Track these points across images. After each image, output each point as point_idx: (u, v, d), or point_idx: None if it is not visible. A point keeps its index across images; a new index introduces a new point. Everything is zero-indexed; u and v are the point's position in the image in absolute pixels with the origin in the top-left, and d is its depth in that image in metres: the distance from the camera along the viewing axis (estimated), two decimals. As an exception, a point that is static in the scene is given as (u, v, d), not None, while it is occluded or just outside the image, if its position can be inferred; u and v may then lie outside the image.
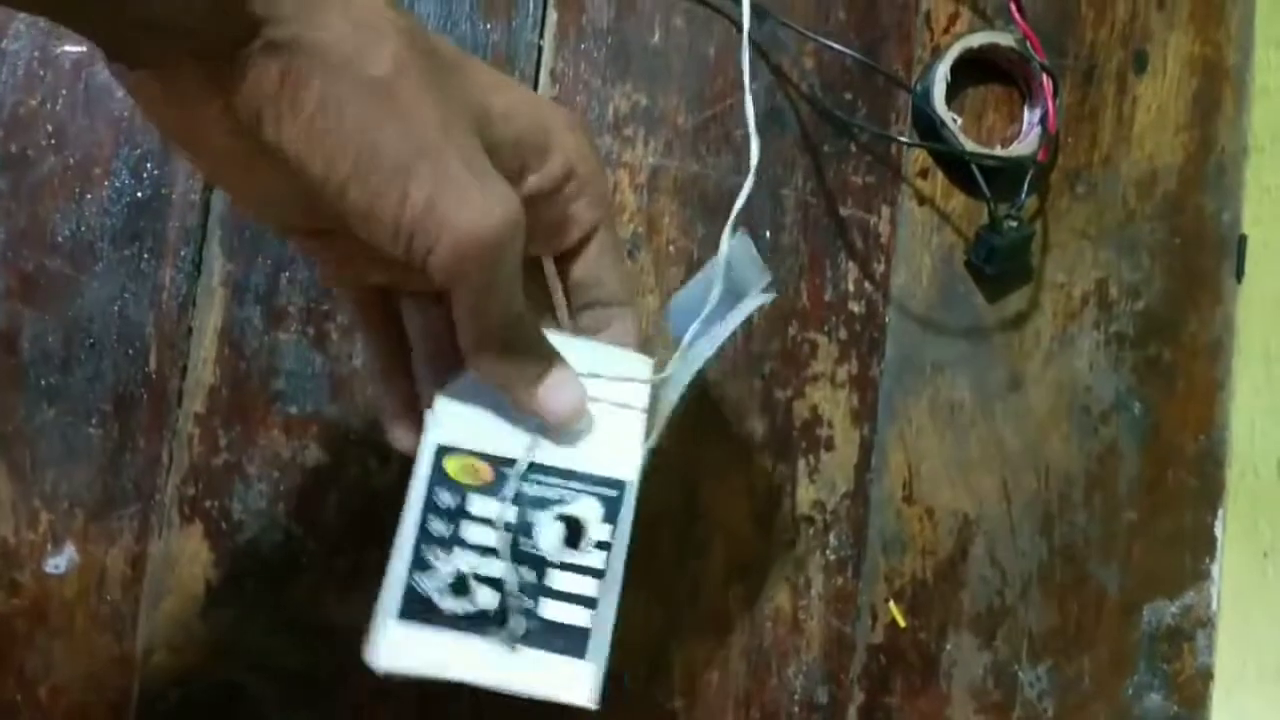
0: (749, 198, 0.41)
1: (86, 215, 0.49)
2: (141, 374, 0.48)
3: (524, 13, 0.52)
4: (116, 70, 0.31)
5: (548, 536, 0.38)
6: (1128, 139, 0.56)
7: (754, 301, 0.40)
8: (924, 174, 0.54)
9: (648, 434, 0.39)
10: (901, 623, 0.52)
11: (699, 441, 0.51)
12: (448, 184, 0.31)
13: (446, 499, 0.38)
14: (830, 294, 0.53)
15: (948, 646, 0.52)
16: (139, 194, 0.49)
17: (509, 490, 0.38)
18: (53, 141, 0.49)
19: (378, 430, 0.49)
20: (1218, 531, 0.54)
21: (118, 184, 0.49)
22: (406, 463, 0.48)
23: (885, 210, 0.53)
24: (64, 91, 0.49)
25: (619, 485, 0.39)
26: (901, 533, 0.52)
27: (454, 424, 0.38)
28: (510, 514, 0.38)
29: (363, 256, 0.36)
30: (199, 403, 0.49)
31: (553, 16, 0.52)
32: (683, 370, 0.40)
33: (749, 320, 0.40)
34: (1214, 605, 0.54)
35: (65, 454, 0.48)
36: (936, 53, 0.54)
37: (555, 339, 0.38)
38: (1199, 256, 0.56)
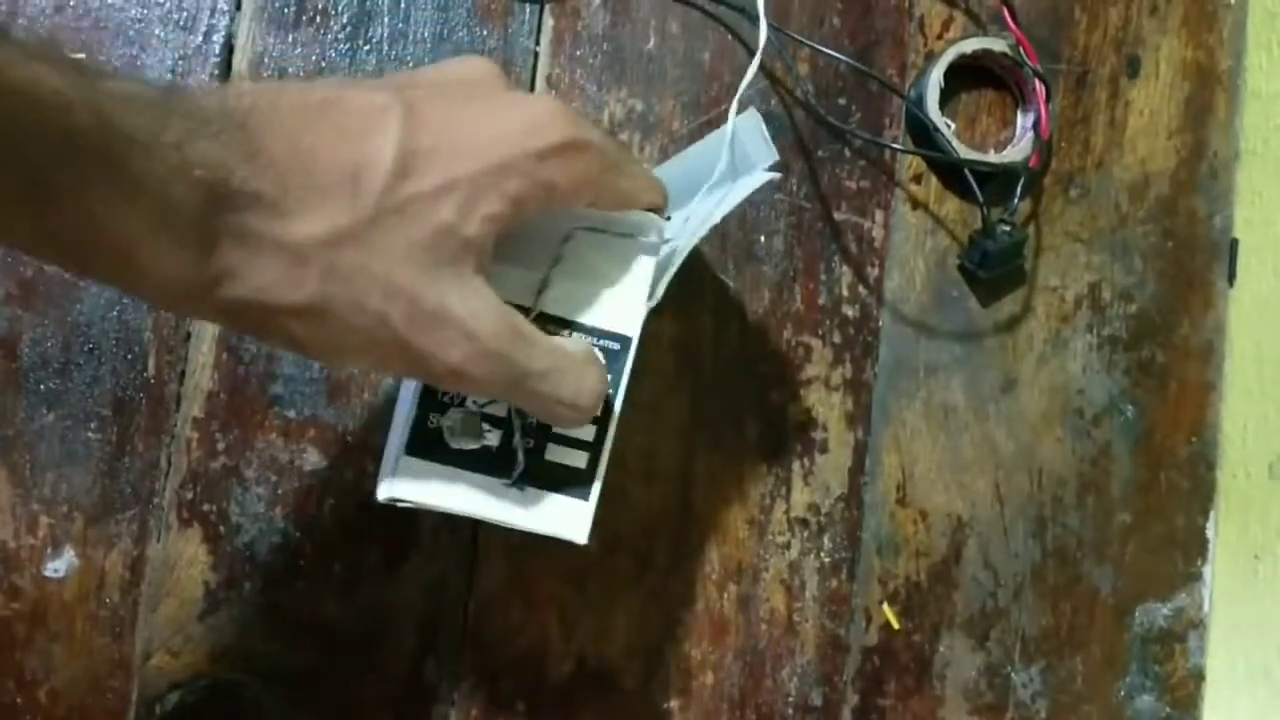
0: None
1: (85, 221, 0.49)
2: (140, 379, 0.49)
3: (520, 19, 0.52)
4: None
5: None
6: (1120, 143, 0.56)
7: (759, 179, 0.41)
8: (918, 179, 0.54)
9: (650, 293, 0.41)
10: (895, 625, 0.52)
11: (693, 445, 0.51)
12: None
13: None
14: (824, 298, 0.53)
15: (941, 648, 0.53)
16: (137, 199, 0.49)
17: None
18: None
19: (374, 433, 0.50)
20: (1209, 533, 0.55)
21: (116, 190, 0.49)
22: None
23: (879, 215, 0.54)
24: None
25: (622, 340, 0.40)
26: (895, 535, 0.53)
27: None
28: None
29: None
30: (197, 407, 0.49)
31: (549, 23, 0.52)
32: (683, 237, 0.41)
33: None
34: (1206, 607, 0.54)
35: (64, 458, 0.48)
36: (930, 58, 0.54)
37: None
38: (1191, 260, 0.56)
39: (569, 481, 0.40)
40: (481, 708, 0.49)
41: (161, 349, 0.49)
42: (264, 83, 0.47)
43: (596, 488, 0.40)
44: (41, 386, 0.48)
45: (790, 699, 0.51)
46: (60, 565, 0.48)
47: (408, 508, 0.40)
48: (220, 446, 0.49)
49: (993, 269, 0.52)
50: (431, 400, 0.40)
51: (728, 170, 0.42)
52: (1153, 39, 0.57)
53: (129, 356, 0.49)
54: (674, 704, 0.51)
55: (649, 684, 0.50)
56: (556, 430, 0.40)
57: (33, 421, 0.48)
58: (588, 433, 0.40)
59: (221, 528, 0.49)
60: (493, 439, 0.40)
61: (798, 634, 0.52)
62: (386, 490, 0.40)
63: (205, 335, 0.49)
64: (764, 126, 0.43)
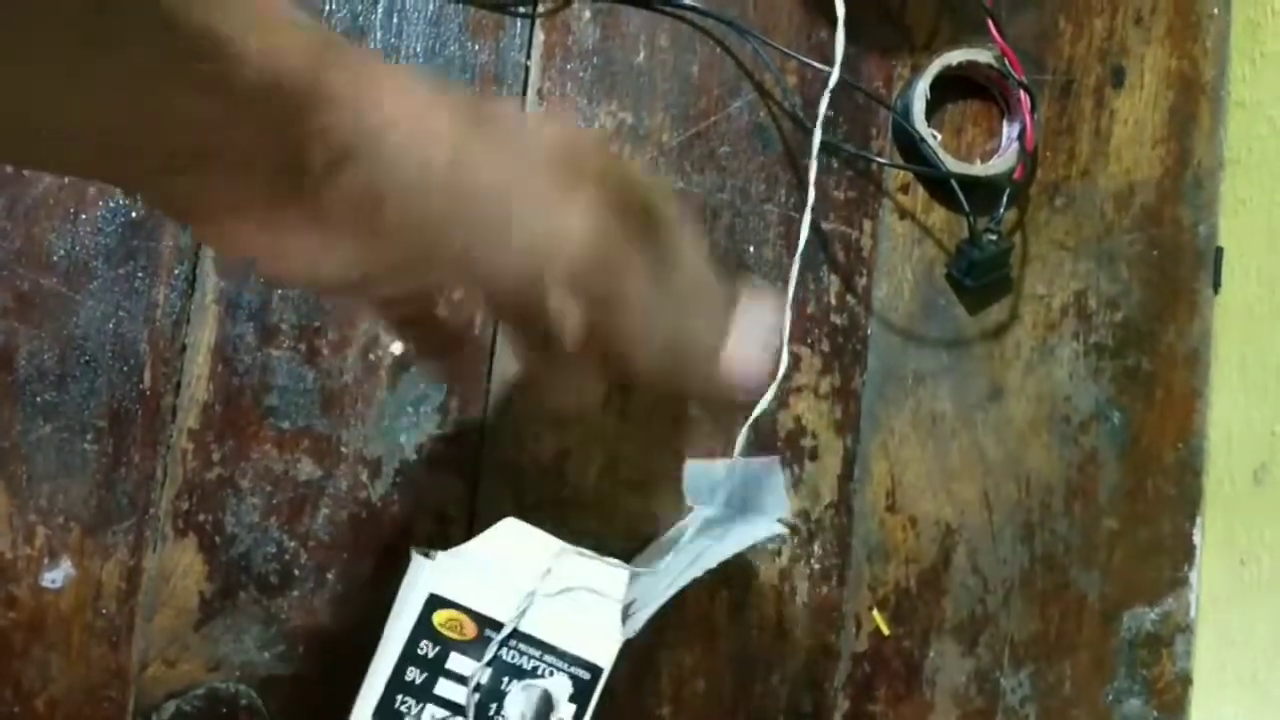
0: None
1: (81, 234, 0.49)
2: (136, 390, 0.49)
3: (511, 34, 0.52)
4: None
5: (515, 705, 0.39)
6: (1105, 153, 0.57)
7: (766, 529, 0.41)
8: (905, 189, 0.55)
9: (627, 623, 0.41)
10: (885, 631, 0.53)
11: (682, 453, 0.52)
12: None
13: (427, 649, 0.39)
14: (813, 307, 0.54)
15: (931, 654, 0.53)
16: (133, 213, 0.50)
17: (489, 652, 0.39)
18: (47, 162, 0.50)
19: (368, 443, 0.50)
20: (1196, 539, 0.55)
21: (112, 203, 0.50)
22: (398, 475, 0.49)
23: (867, 224, 0.54)
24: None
25: (593, 669, 0.40)
26: (885, 542, 0.53)
27: (452, 577, 0.39)
28: (485, 675, 0.39)
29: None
30: (192, 418, 0.49)
31: (539, 37, 0.53)
32: (673, 573, 0.41)
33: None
34: (1192, 612, 0.55)
35: (61, 469, 0.49)
36: (916, 70, 0.55)
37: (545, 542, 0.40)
38: (1176, 268, 0.57)
39: None
40: None
41: (157, 361, 0.49)
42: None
43: None
44: (38, 399, 0.49)
45: (781, 705, 0.52)
46: (57, 576, 0.48)
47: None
48: (215, 457, 0.49)
49: (979, 278, 0.52)
50: (390, 704, 0.39)
51: (735, 503, 0.43)
52: (1137, 49, 0.57)
53: (125, 369, 0.49)
54: (665, 710, 0.51)
55: (640, 691, 0.51)
56: None
57: (29, 433, 0.49)
58: None
59: (217, 538, 0.49)
60: None
61: (789, 640, 0.52)
62: None
63: (200, 347, 0.50)
64: (785, 479, 0.43)
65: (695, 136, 0.53)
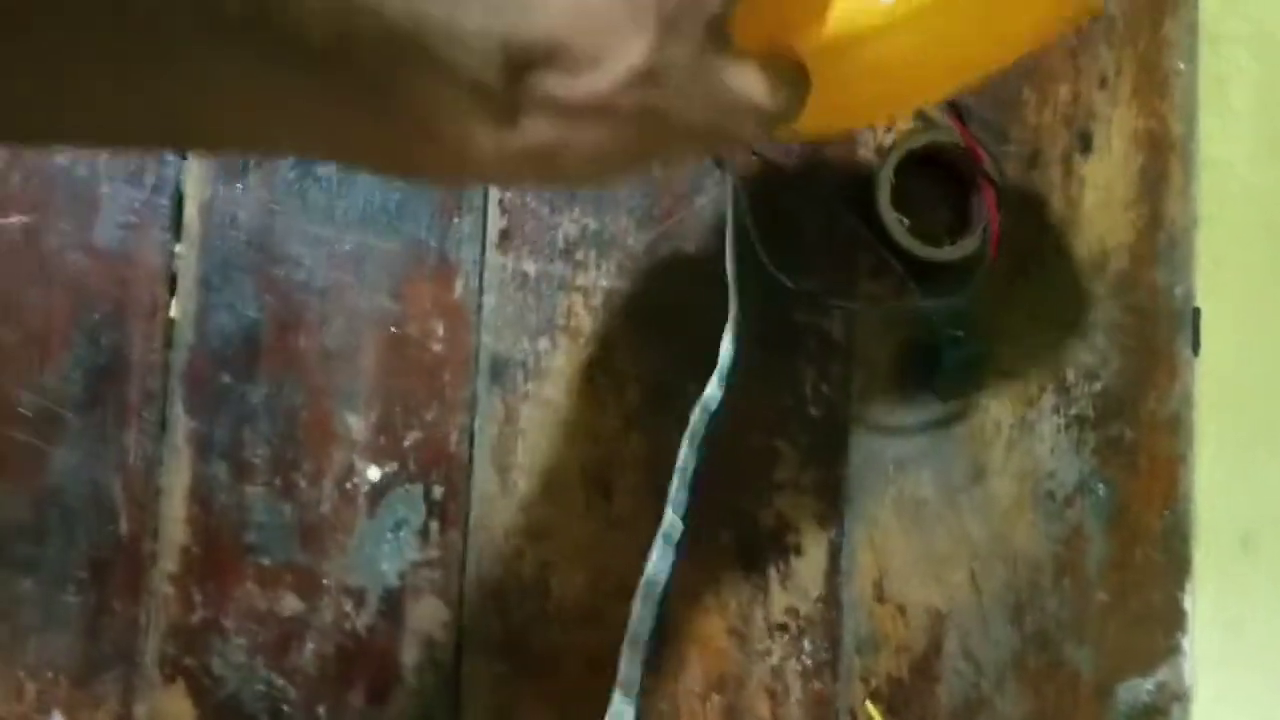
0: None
1: (48, 385, 0.49)
2: (114, 538, 0.49)
3: (467, 148, 0.52)
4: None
5: None
6: (1077, 220, 0.56)
7: None
8: (875, 274, 0.54)
9: None
10: (880, 721, 0.53)
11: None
12: None
13: None
14: (790, 400, 0.53)
15: (926, 744, 0.53)
16: (98, 360, 0.50)
17: None
18: (8, 313, 0.49)
19: (349, 574, 0.50)
20: (1187, 606, 0.55)
21: (77, 351, 0.49)
22: (382, 604, 0.49)
23: (839, 313, 0.54)
24: (15, 262, 0.50)
25: None
26: (875, 632, 0.53)
27: None
28: None
29: None
30: (172, 562, 0.49)
31: (496, 149, 0.52)
32: None
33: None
34: (1187, 680, 0.55)
35: (45, 623, 0.49)
36: (880, 153, 0.54)
37: None
38: (1154, 332, 0.56)
39: None
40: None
41: (132, 507, 0.49)
42: None
43: None
44: (17, 554, 0.49)
45: (780, 806, 0.52)
46: (48, 732, 0.48)
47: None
48: (198, 599, 0.49)
49: (952, 378, 0.52)
50: None
51: None
52: (1104, 111, 0.57)
53: (101, 517, 0.49)
54: (665, 819, 0.51)
55: (639, 802, 0.51)
56: None
57: (11, 589, 0.48)
58: None
59: (205, 680, 0.49)
60: None
61: (784, 738, 0.52)
62: None
63: (175, 490, 0.50)
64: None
65: (661, 237, 0.53)
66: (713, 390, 0.50)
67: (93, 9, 0.26)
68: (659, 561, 0.50)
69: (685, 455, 0.50)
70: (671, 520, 0.50)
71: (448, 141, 0.32)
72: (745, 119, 0.36)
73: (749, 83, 0.36)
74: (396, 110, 0.31)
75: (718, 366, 0.50)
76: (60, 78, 0.27)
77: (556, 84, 0.33)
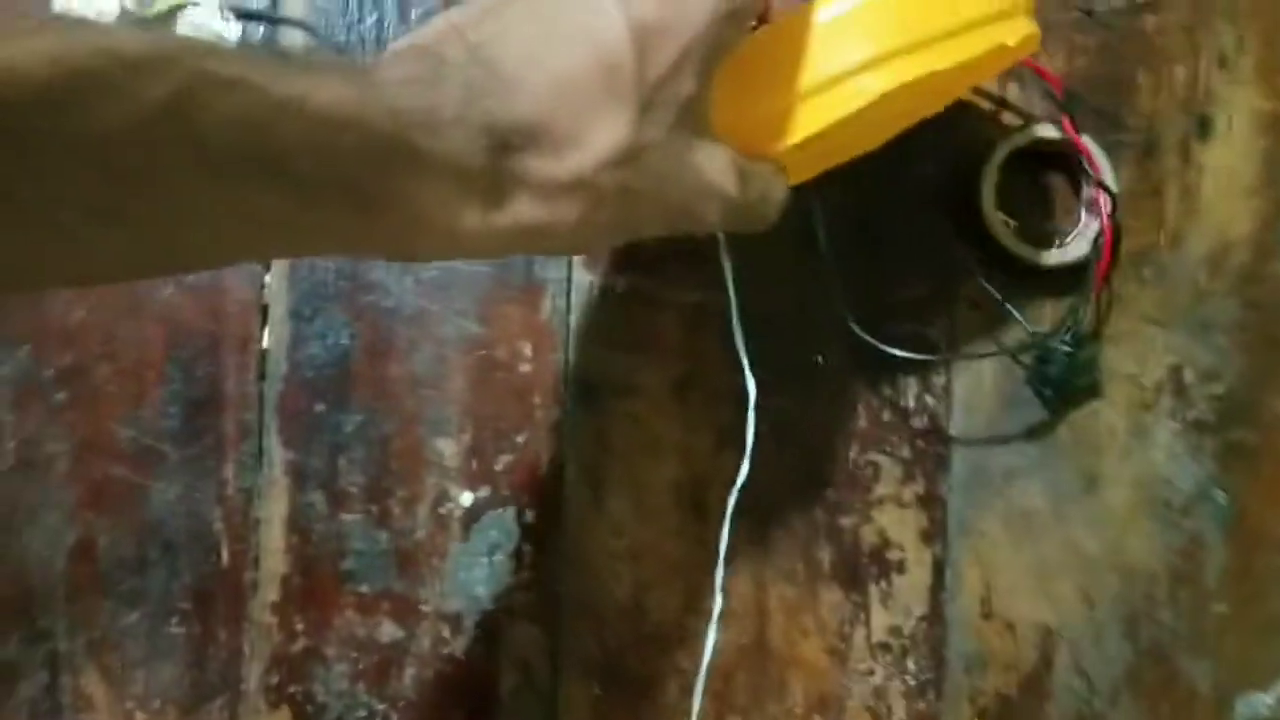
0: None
1: (145, 419, 0.50)
2: (215, 569, 0.50)
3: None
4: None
5: None
6: (1195, 212, 0.53)
7: None
8: (975, 279, 0.52)
9: None
10: (988, 739, 0.52)
11: (764, 580, 0.51)
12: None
13: None
14: (889, 414, 0.52)
15: (1037, 763, 0.52)
16: (194, 393, 0.50)
17: None
18: (105, 349, 0.50)
19: (446, 600, 0.50)
20: (1313, 616, 0.53)
21: (173, 386, 0.50)
22: (478, 628, 0.49)
23: (941, 321, 0.52)
24: (109, 298, 0.50)
25: None
26: (982, 650, 0.52)
27: None
28: None
29: None
30: (273, 591, 0.50)
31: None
32: None
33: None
34: (1312, 694, 0.53)
35: (151, 654, 0.49)
36: (973, 152, 0.51)
37: None
38: (1278, 328, 0.53)
39: None
40: None
41: (232, 538, 0.50)
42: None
43: None
44: (122, 587, 0.49)
45: (885, 827, 0.51)
46: (160, 761, 0.49)
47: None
48: (299, 628, 0.50)
49: (1061, 391, 0.50)
50: None
51: None
52: (1224, 93, 0.53)
53: (202, 549, 0.50)
54: (768, 840, 0.51)
55: (741, 823, 0.51)
56: None
57: (118, 621, 0.49)
58: None
59: (309, 707, 0.50)
60: None
61: (888, 756, 0.51)
62: None
63: (273, 520, 0.50)
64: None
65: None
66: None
67: (75, 167, 0.26)
68: None
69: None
70: None
71: (438, 227, 0.33)
72: (711, 204, 0.37)
73: (718, 168, 0.37)
74: (386, 208, 0.32)
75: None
76: (43, 242, 0.27)
77: (539, 164, 0.33)
